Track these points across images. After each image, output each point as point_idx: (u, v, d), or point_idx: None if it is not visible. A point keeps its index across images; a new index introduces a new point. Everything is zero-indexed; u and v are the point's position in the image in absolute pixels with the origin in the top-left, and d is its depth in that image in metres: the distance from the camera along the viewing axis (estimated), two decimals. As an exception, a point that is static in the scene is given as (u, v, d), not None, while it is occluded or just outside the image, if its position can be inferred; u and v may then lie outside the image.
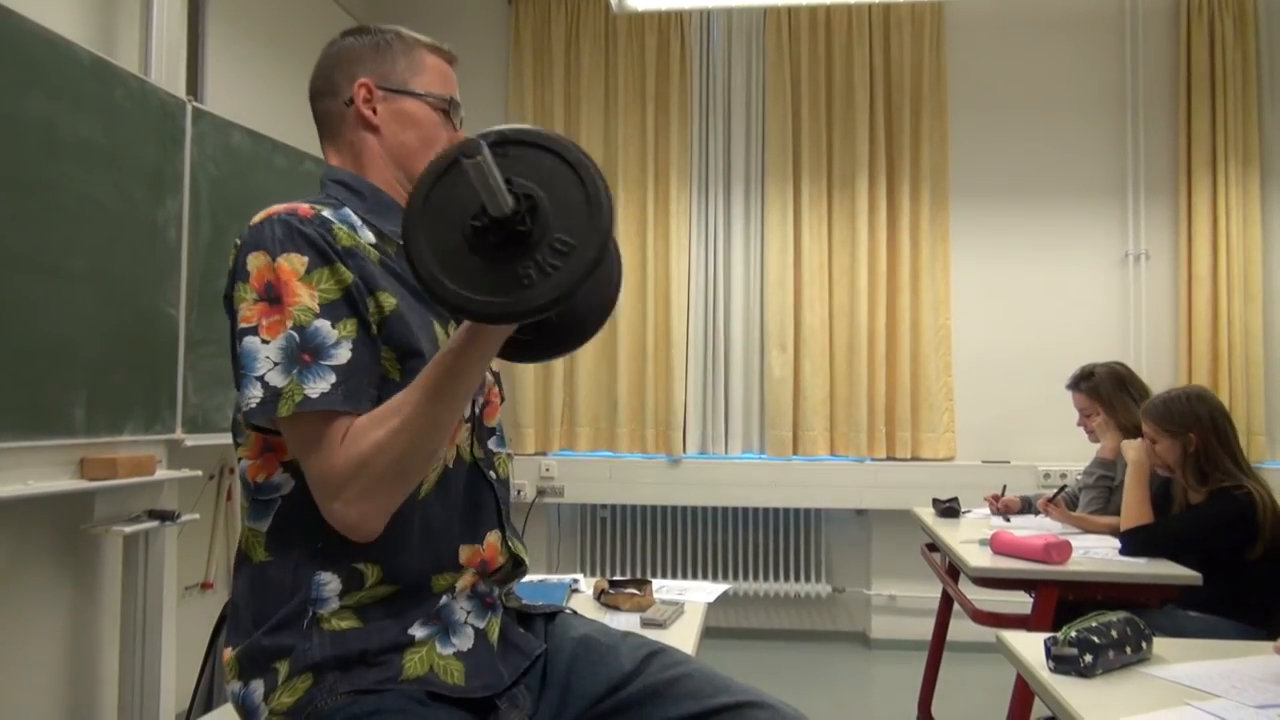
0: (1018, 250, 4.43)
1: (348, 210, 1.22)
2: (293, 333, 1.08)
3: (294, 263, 1.11)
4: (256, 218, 1.16)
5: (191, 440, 2.87)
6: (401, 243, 1.01)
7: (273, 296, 1.10)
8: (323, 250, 1.12)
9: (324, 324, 1.09)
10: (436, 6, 4.70)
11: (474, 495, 1.25)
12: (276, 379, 1.07)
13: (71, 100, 2.40)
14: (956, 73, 4.44)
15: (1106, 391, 3.07)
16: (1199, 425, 2.56)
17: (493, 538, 1.25)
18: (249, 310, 1.11)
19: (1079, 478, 3.22)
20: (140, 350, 2.68)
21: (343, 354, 1.09)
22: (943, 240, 4.42)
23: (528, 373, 4.45)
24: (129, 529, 2.63)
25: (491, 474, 1.28)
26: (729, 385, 4.48)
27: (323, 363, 1.08)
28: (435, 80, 1.32)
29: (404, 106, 1.29)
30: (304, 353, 1.08)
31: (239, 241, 1.16)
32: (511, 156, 0.98)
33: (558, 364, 4.51)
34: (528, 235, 0.96)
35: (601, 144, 4.55)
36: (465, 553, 1.21)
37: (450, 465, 1.21)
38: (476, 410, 1.28)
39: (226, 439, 3.04)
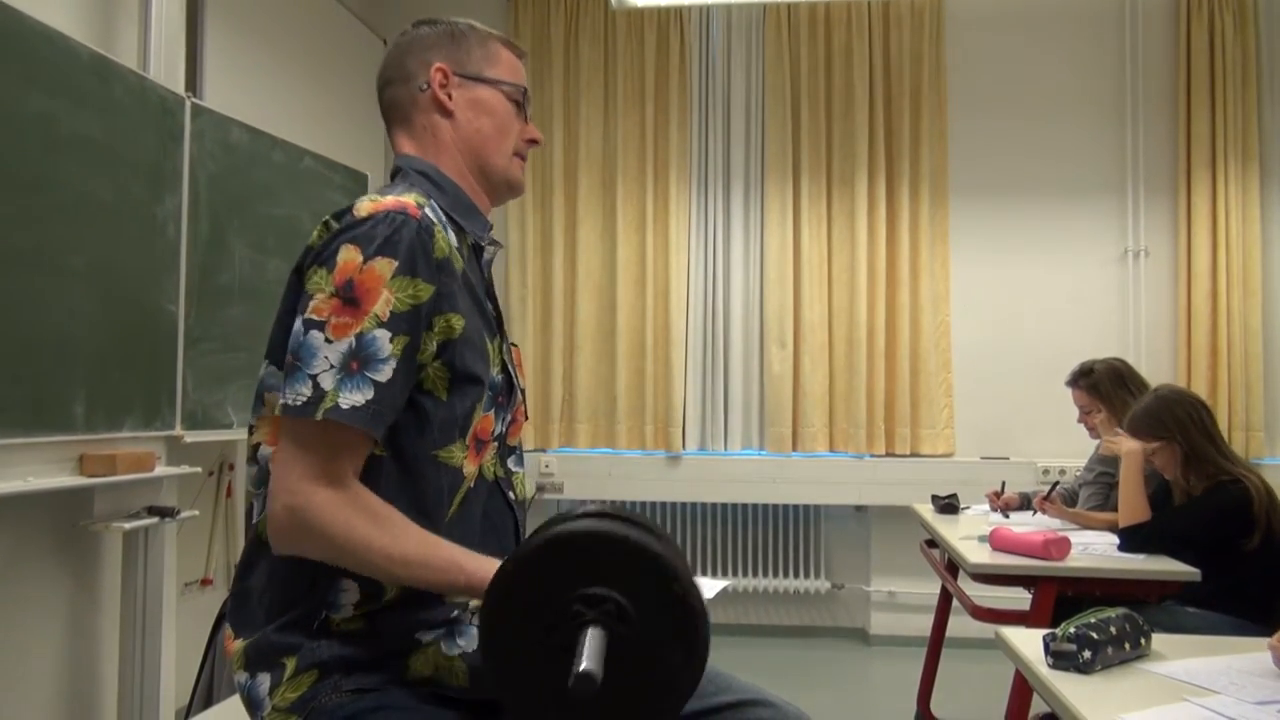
0: (1017, 247, 4.43)
1: (435, 204, 1.20)
2: (353, 339, 1.06)
3: (383, 267, 1.08)
4: (364, 208, 1.12)
5: (191, 437, 2.86)
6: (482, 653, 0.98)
7: (350, 297, 1.07)
8: (413, 260, 1.09)
9: (383, 335, 1.07)
10: (436, 4, 4.68)
11: (494, 517, 1.24)
12: (327, 382, 1.05)
13: (70, 97, 2.40)
14: (956, 70, 4.44)
15: (1106, 388, 3.08)
16: (1183, 426, 2.58)
17: None
18: (322, 303, 1.08)
19: (1078, 474, 3.22)
20: (139, 346, 2.68)
21: (386, 372, 1.07)
22: (942, 237, 4.42)
23: (527, 370, 4.45)
24: (128, 525, 2.63)
25: (510, 494, 1.27)
26: (728, 382, 4.48)
27: (366, 374, 1.06)
28: (508, 71, 1.32)
29: (479, 94, 1.29)
30: (354, 360, 1.06)
31: (334, 223, 1.12)
32: (603, 557, 0.94)
33: (557, 361, 4.52)
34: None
35: (601, 141, 4.55)
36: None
37: (472, 485, 1.20)
38: (503, 429, 1.26)
39: (226, 435, 3.05)
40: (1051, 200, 4.41)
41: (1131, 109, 4.38)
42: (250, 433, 1.19)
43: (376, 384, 1.06)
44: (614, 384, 4.46)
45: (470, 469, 1.19)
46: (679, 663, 0.93)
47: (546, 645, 0.92)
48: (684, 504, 4.48)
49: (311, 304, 1.09)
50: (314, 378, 1.05)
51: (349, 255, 1.08)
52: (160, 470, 2.74)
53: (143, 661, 2.78)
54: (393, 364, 1.07)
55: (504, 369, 1.25)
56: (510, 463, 1.29)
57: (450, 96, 1.27)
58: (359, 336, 1.06)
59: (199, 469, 2.94)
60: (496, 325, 1.26)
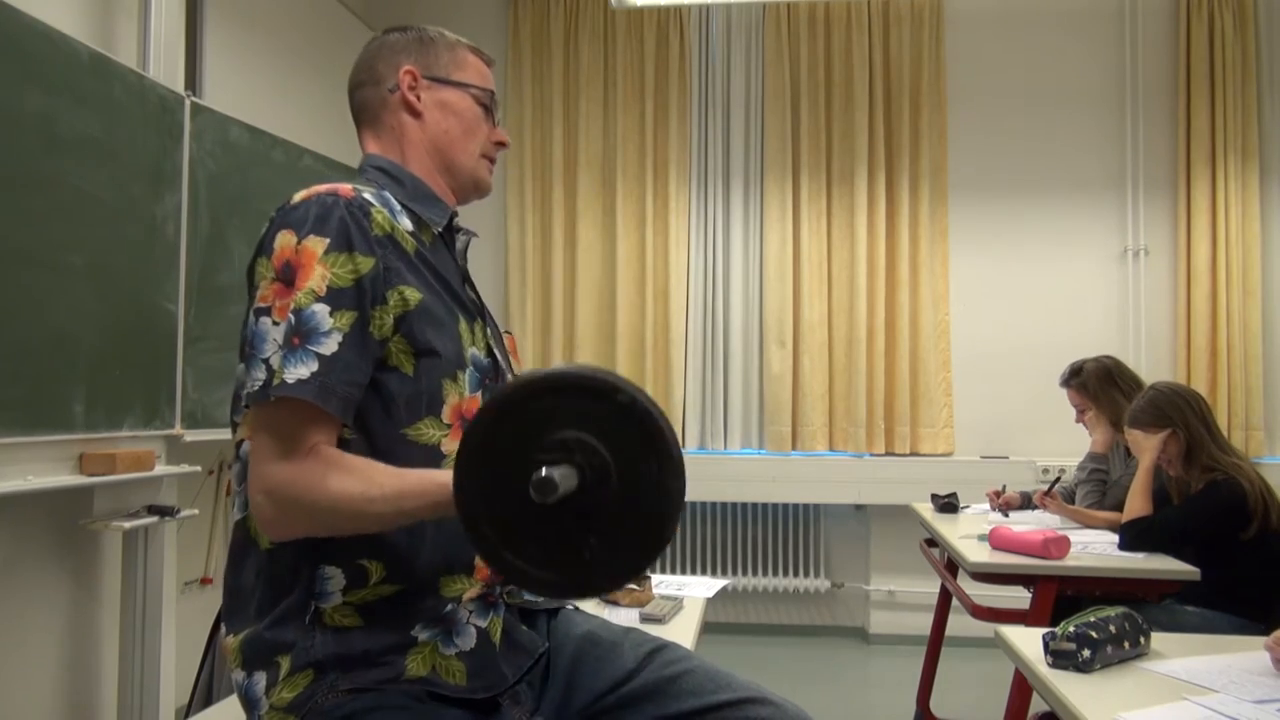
0: (1017, 246, 4.43)
1: (388, 194, 1.22)
2: (292, 315, 1.08)
3: (315, 245, 1.10)
4: (297, 197, 1.15)
5: (191, 436, 2.86)
6: (455, 488, 0.96)
7: (288, 278, 1.09)
8: (348, 236, 1.11)
9: (322, 309, 1.08)
10: (435, 2, 4.68)
11: None
12: (276, 362, 1.06)
13: (70, 96, 2.40)
14: (955, 68, 4.44)
15: (1094, 386, 3.09)
16: (1184, 414, 2.59)
17: None
18: (266, 289, 1.10)
19: (1075, 473, 3.23)
20: (139, 345, 2.68)
21: (330, 344, 1.08)
22: (942, 236, 4.42)
23: (526, 368, 4.44)
24: (128, 524, 2.62)
25: None
26: (728, 381, 4.48)
27: (309, 347, 1.07)
28: (476, 75, 1.35)
29: (447, 96, 1.31)
30: (295, 335, 1.07)
31: (273, 216, 1.16)
32: (574, 405, 0.92)
33: (557, 359, 4.51)
34: (592, 510, 0.91)
35: (600, 140, 4.55)
36: (480, 559, 1.21)
37: None
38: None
39: (226, 434, 3.04)
40: (1051, 199, 4.41)
41: (1131, 107, 4.38)
42: (234, 430, 1.20)
43: (320, 356, 1.07)
44: (614, 383, 4.45)
45: (453, 447, 1.17)
46: (656, 470, 0.91)
47: (518, 471, 0.91)
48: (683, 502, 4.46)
49: (258, 293, 1.12)
50: (266, 361, 1.07)
51: (284, 239, 1.11)
52: (160, 469, 2.75)
53: (142, 660, 2.78)
54: (337, 337, 1.08)
55: (489, 352, 1.25)
56: None
57: (419, 98, 1.30)
58: (297, 312, 1.08)
59: (199, 468, 2.94)
60: (477, 310, 1.27)
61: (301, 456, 1.07)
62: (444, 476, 1.04)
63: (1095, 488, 3.07)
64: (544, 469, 0.86)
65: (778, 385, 4.38)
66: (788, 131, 4.44)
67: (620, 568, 0.92)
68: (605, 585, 0.94)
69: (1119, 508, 2.75)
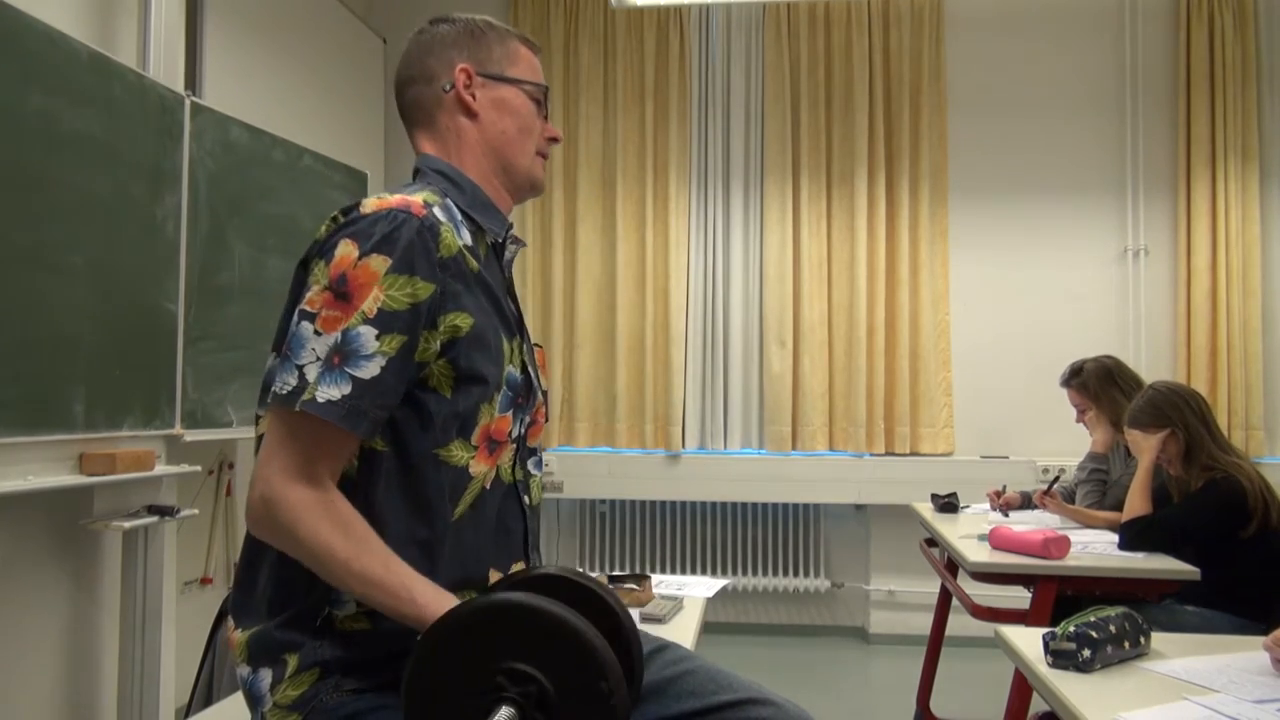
0: (1016, 246, 4.43)
1: (450, 202, 1.20)
2: (340, 334, 1.06)
3: (378, 264, 1.08)
4: (369, 205, 1.12)
5: (191, 435, 2.86)
6: None
7: (342, 292, 1.07)
8: (412, 260, 1.09)
9: (369, 331, 1.06)
10: (435, 2, 4.68)
11: (505, 520, 1.23)
12: (311, 374, 1.06)
13: (70, 95, 2.40)
14: (956, 68, 4.44)
15: (1094, 386, 3.09)
16: (1182, 413, 2.60)
17: (518, 567, 1.24)
18: (316, 295, 1.08)
19: (1076, 473, 3.23)
20: (139, 345, 2.68)
21: (371, 369, 1.06)
22: (941, 236, 4.42)
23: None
24: (128, 524, 2.62)
25: (526, 499, 1.27)
26: (728, 381, 4.48)
27: (347, 369, 1.06)
28: (529, 70, 1.32)
29: (503, 94, 1.28)
30: (336, 354, 1.06)
31: (340, 217, 1.13)
32: (526, 633, 0.94)
33: (557, 359, 4.52)
34: None
35: (600, 140, 4.55)
36: (494, 577, 1.20)
37: (488, 487, 1.19)
38: (522, 429, 1.26)
39: (226, 434, 3.05)
40: (1051, 199, 4.41)
41: (1131, 108, 4.38)
42: (256, 423, 1.20)
43: (356, 380, 1.06)
44: (613, 383, 4.46)
45: (481, 469, 1.18)
46: (597, 685, 0.92)
47: (464, 710, 0.92)
48: (683, 503, 4.48)
49: (307, 295, 1.10)
50: (300, 368, 1.06)
51: (345, 250, 1.09)
52: (160, 469, 2.74)
53: (142, 660, 2.78)
54: (379, 361, 1.07)
55: (524, 369, 1.25)
56: (530, 465, 1.29)
57: (474, 97, 1.27)
58: (344, 332, 1.06)
59: (199, 468, 2.94)
60: (517, 325, 1.26)
61: (314, 486, 1.06)
62: (424, 598, 1.04)
63: (1095, 488, 3.07)
64: None
65: (778, 385, 4.38)
66: (788, 132, 4.44)
67: None
68: None
69: (1119, 507, 2.74)
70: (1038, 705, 2.44)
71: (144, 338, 2.70)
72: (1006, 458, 4.27)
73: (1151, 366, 4.23)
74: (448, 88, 1.26)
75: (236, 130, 3.08)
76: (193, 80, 3.19)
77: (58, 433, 2.39)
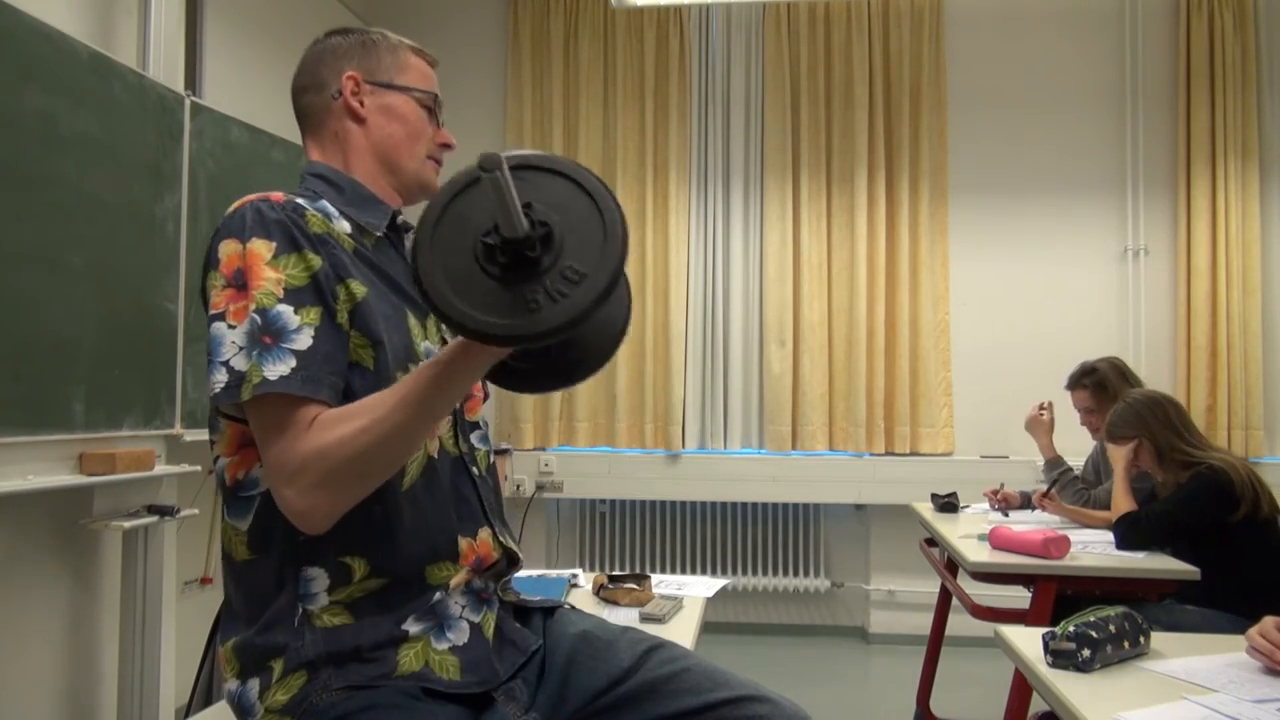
0: (1017, 246, 4.43)
1: (325, 202, 1.23)
2: (255, 316, 1.08)
3: (261, 248, 1.11)
4: (231, 207, 1.17)
5: (190, 435, 2.86)
6: (411, 259, 0.99)
7: (239, 282, 1.10)
8: (291, 236, 1.13)
9: (286, 309, 1.09)
10: (435, 2, 4.69)
11: (460, 489, 1.24)
12: (240, 363, 1.06)
13: (70, 95, 2.40)
14: (956, 68, 4.44)
15: (1114, 386, 3.07)
16: (1144, 422, 2.66)
17: (484, 534, 1.25)
18: (218, 296, 1.11)
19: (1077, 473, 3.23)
20: (139, 345, 2.68)
21: (304, 339, 1.08)
22: (941, 236, 4.42)
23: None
24: (128, 524, 2.63)
25: (474, 469, 1.28)
26: (728, 380, 4.48)
27: (283, 345, 1.07)
28: (419, 78, 1.35)
29: (390, 100, 1.32)
30: (265, 335, 1.07)
31: (214, 233, 1.17)
32: (529, 181, 0.97)
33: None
34: (538, 260, 0.94)
35: (600, 140, 4.55)
36: (464, 544, 1.21)
37: (435, 456, 1.21)
38: (457, 404, 1.27)
39: (226, 434, 3.05)
40: (1051, 198, 4.41)
41: (1131, 107, 4.37)
42: (211, 446, 1.21)
43: (296, 352, 1.07)
44: (613, 382, 4.46)
45: (427, 443, 1.19)
46: (598, 218, 0.96)
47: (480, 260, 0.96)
48: (683, 503, 4.48)
49: (210, 301, 1.12)
50: (226, 363, 1.07)
51: (229, 248, 1.12)
52: (160, 469, 2.75)
53: (142, 660, 2.78)
54: (309, 331, 1.09)
55: (444, 342, 1.26)
56: (474, 438, 1.30)
57: (362, 103, 1.30)
58: (263, 313, 1.08)
59: (199, 467, 2.94)
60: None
61: (305, 431, 1.06)
62: (444, 354, 1.04)
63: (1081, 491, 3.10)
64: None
65: (778, 385, 4.38)
66: (788, 131, 4.44)
67: (562, 313, 0.94)
68: (548, 330, 0.94)
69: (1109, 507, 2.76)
70: (1037, 705, 2.44)
71: (144, 338, 2.70)
72: (1006, 458, 4.26)
73: (1151, 366, 4.23)
74: (336, 95, 1.30)
75: (236, 130, 3.08)
76: (193, 80, 3.19)
77: (58, 432, 2.40)
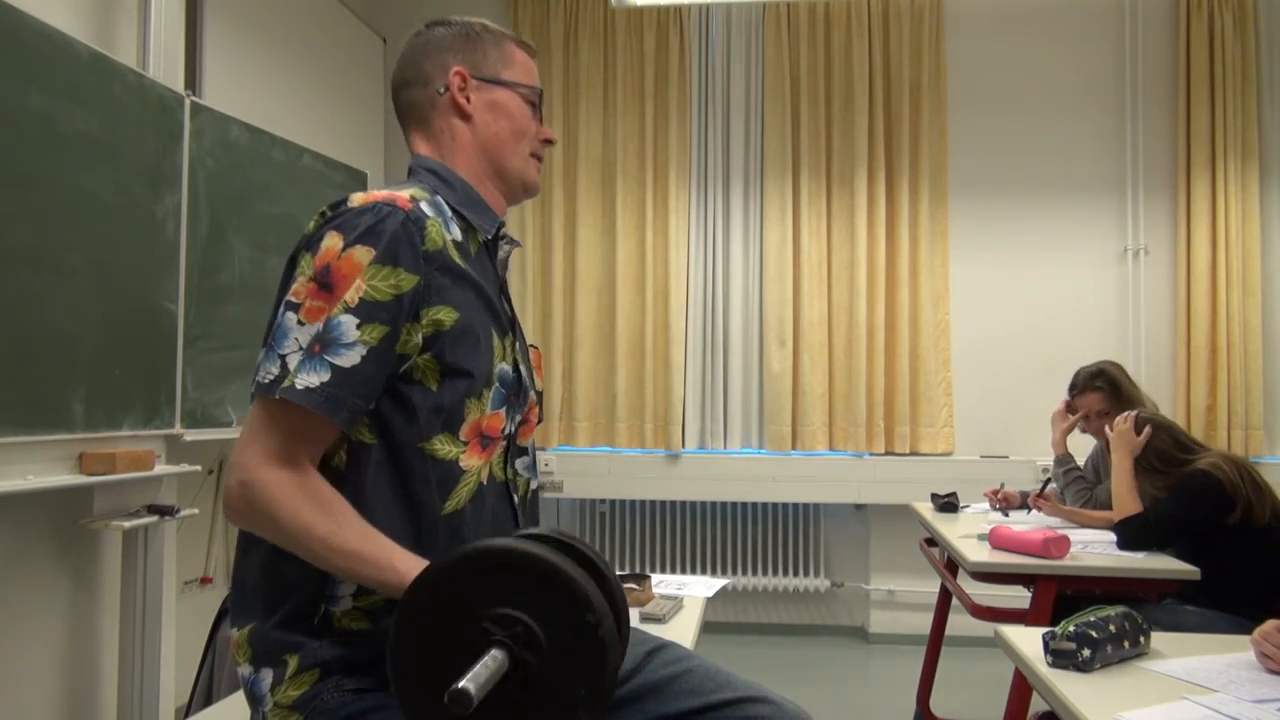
0: (1017, 246, 4.43)
1: (440, 199, 1.22)
2: (322, 323, 1.08)
3: (360, 255, 1.09)
4: (356, 199, 1.14)
5: (190, 435, 2.86)
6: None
7: (326, 282, 1.09)
8: (396, 251, 1.10)
9: (349, 320, 1.08)
10: (435, 2, 4.68)
11: (499, 516, 1.24)
12: (292, 363, 1.07)
13: (70, 95, 2.40)
14: (955, 68, 4.44)
15: (1126, 386, 3.07)
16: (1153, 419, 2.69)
17: None
18: (300, 286, 1.10)
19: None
20: (139, 345, 2.68)
21: (351, 357, 1.08)
22: (941, 236, 4.42)
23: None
24: (128, 524, 2.63)
25: (515, 498, 1.27)
26: (728, 380, 4.48)
27: (326, 357, 1.07)
28: (523, 72, 1.34)
29: (497, 96, 1.30)
30: (317, 342, 1.07)
31: (329, 211, 1.14)
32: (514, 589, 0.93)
33: (556, 359, 4.52)
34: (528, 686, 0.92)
35: (600, 140, 4.55)
36: None
37: (485, 482, 1.20)
38: (513, 427, 1.26)
39: (225, 433, 3.05)
40: (1051, 199, 4.41)
41: (1131, 107, 4.38)
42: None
43: (335, 368, 1.07)
44: (613, 382, 4.46)
45: (474, 463, 1.18)
46: (581, 697, 0.92)
47: (453, 659, 0.91)
48: (683, 502, 4.48)
49: (293, 287, 1.11)
50: (283, 357, 1.07)
51: (331, 242, 1.11)
52: (160, 469, 2.75)
53: (142, 659, 2.78)
54: (360, 350, 1.08)
55: (515, 367, 1.25)
56: (519, 465, 1.29)
57: (468, 100, 1.29)
58: (326, 321, 1.08)
59: (198, 467, 2.94)
60: (510, 323, 1.26)
61: (291, 468, 1.07)
62: (404, 564, 1.04)
63: (1085, 489, 3.11)
64: (463, 680, 0.85)
65: (778, 385, 4.38)
66: (787, 131, 4.44)
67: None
68: None
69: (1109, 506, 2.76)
70: (1038, 705, 2.44)
71: (144, 338, 2.70)
72: (1006, 457, 4.27)
73: (1151, 367, 4.23)
74: (442, 90, 1.28)
75: (236, 130, 3.08)
76: (193, 80, 3.19)
77: (58, 432, 2.40)
